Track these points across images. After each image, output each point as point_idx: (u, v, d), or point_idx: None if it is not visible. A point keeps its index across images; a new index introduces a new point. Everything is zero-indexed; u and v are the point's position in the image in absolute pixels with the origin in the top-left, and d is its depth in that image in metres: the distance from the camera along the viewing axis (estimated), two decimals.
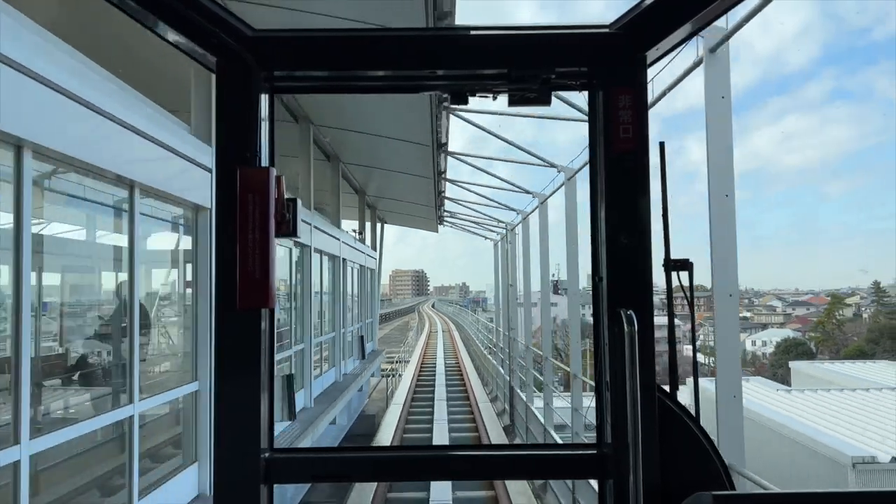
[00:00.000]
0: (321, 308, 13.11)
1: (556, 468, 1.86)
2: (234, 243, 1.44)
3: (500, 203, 15.98)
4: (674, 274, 1.70)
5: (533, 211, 14.14)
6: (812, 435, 11.23)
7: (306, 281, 11.89)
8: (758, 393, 15.38)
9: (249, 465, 1.48)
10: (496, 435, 13.66)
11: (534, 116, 9.52)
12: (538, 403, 12.96)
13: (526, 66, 1.56)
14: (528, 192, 13.45)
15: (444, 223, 22.32)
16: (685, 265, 1.71)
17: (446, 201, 17.79)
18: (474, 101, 1.78)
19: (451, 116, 9.38)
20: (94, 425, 4.64)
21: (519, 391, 16.01)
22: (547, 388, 12.37)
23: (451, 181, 15.17)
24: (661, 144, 1.64)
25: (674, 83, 5.98)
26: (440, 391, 19.13)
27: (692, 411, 1.58)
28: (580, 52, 1.57)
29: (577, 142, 9.18)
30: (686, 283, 1.70)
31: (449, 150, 11.90)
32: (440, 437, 13.35)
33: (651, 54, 1.56)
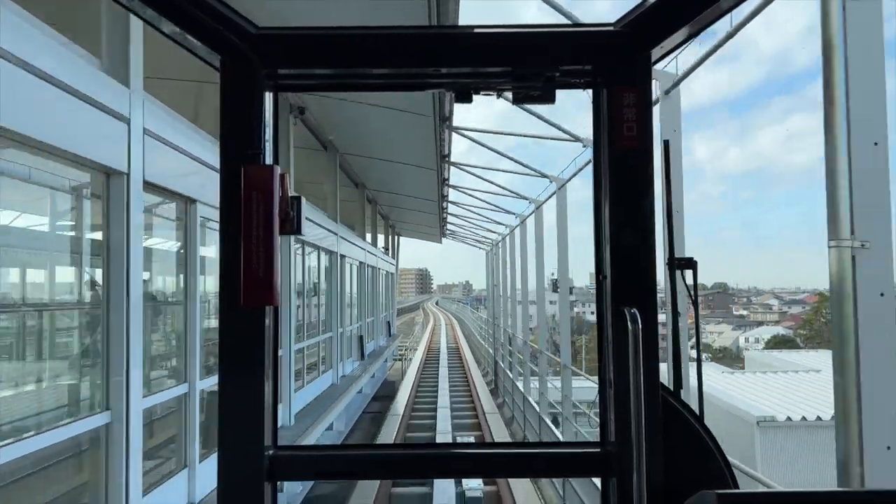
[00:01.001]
0: (368, 301, 18.97)
1: (559, 467, 1.82)
2: (239, 241, 1.39)
3: (500, 208, 16.72)
4: (677, 272, 1.59)
5: (530, 215, 13.99)
6: (732, 402, 13.87)
7: (364, 285, 17.34)
8: (706, 376, 18.38)
9: (253, 462, 1.42)
10: (482, 389, 17.97)
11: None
12: (529, 384, 14.82)
13: (530, 64, 1.47)
14: (525, 198, 13.97)
15: (447, 236, 27.43)
16: (689, 263, 1.57)
17: (448, 225, 22.90)
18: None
19: (455, 136, 10.83)
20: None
21: (500, 361, 19.65)
22: (542, 380, 12.49)
23: (453, 214, 19.94)
24: (666, 143, 1.65)
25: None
26: (443, 361, 24.70)
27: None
28: (584, 51, 1.49)
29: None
30: (690, 281, 1.58)
31: (450, 200, 16.57)
32: (443, 384, 18.26)
33: (655, 52, 1.47)
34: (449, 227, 23.71)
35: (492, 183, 15.03)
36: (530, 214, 14.55)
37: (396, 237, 28.30)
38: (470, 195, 17.10)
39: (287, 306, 8.83)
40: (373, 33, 1.55)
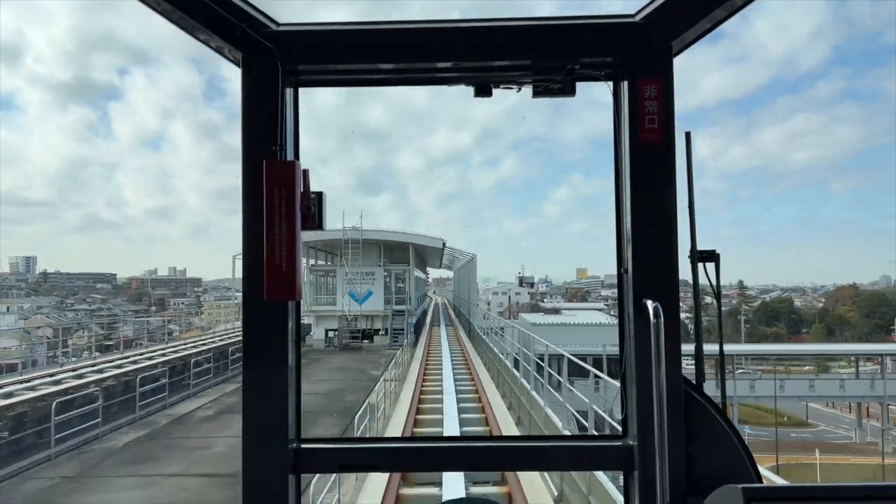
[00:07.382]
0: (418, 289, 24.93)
1: (580, 460, 1.61)
2: (261, 236, 1.27)
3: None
4: (700, 265, 1.40)
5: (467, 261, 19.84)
6: (534, 320, 28.18)
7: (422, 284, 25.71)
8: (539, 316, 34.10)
9: (277, 456, 1.32)
10: (461, 328, 29.06)
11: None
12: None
13: (550, 57, 1.33)
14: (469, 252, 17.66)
15: (443, 267, 40.24)
16: (712, 256, 1.36)
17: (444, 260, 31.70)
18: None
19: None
20: None
21: (458, 305, 31.75)
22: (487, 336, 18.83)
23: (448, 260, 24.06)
24: (688, 134, 1.34)
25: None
26: (441, 314, 39.91)
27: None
28: (605, 43, 1.34)
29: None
30: (712, 274, 1.38)
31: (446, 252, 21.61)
32: (443, 323, 27.33)
33: (676, 44, 1.31)
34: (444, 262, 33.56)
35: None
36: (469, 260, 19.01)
37: (427, 266, 41.68)
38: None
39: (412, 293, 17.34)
40: (391, 28, 1.20)
